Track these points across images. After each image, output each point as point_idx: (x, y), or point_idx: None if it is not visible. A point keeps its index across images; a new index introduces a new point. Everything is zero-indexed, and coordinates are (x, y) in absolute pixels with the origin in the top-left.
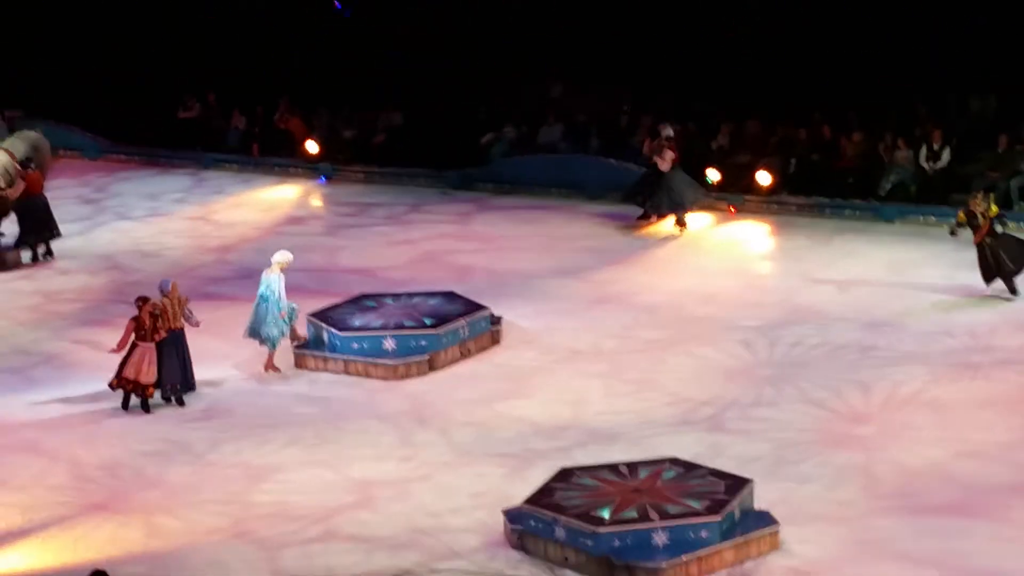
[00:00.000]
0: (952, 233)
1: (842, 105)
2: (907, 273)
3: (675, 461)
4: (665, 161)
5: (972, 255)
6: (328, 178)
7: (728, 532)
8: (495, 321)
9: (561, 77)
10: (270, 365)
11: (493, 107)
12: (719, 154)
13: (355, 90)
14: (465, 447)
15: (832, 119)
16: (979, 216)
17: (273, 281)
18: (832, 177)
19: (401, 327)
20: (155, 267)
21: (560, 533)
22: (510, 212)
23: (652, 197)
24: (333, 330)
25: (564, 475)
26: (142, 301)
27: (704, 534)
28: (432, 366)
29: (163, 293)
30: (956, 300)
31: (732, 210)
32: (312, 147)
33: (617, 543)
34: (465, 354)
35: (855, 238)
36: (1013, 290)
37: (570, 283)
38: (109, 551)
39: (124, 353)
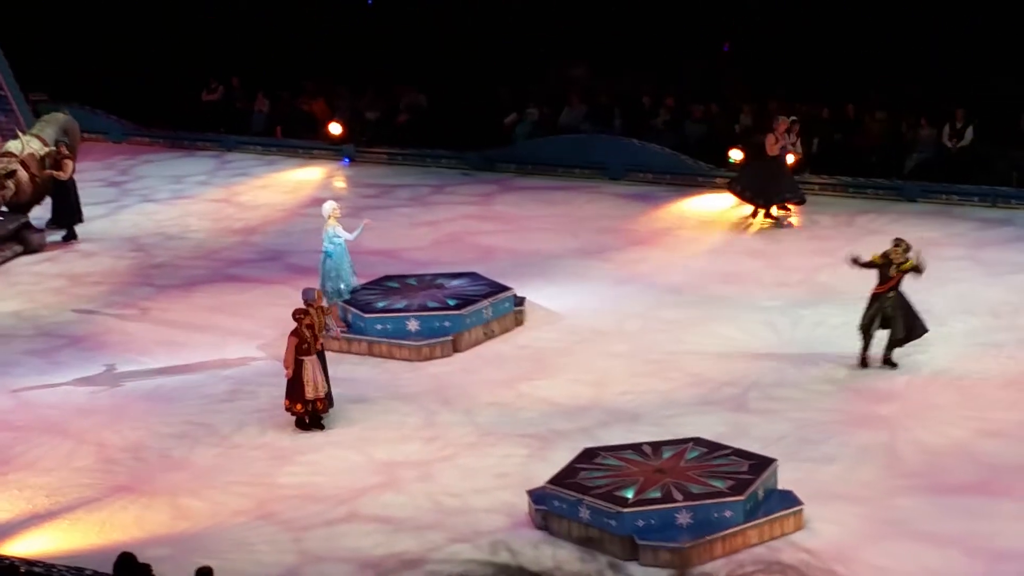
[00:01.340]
0: (854, 261)
1: (865, 84)
2: (929, 252)
3: (698, 441)
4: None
5: (994, 232)
6: (351, 160)
7: (752, 512)
8: (518, 302)
9: (584, 58)
10: (335, 319)
11: (516, 88)
12: (742, 134)
13: (378, 71)
14: (489, 428)
15: (855, 98)
16: (893, 267)
17: (330, 234)
18: (855, 156)
19: (425, 308)
20: (179, 250)
21: (584, 513)
22: (533, 193)
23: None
24: (357, 311)
25: (588, 455)
26: (302, 314)
27: (728, 514)
28: (456, 347)
29: (309, 303)
30: (979, 279)
31: None
32: (335, 129)
33: (641, 523)
34: (488, 335)
35: (878, 217)
36: (889, 360)
37: (593, 263)
38: (135, 533)
39: (290, 375)
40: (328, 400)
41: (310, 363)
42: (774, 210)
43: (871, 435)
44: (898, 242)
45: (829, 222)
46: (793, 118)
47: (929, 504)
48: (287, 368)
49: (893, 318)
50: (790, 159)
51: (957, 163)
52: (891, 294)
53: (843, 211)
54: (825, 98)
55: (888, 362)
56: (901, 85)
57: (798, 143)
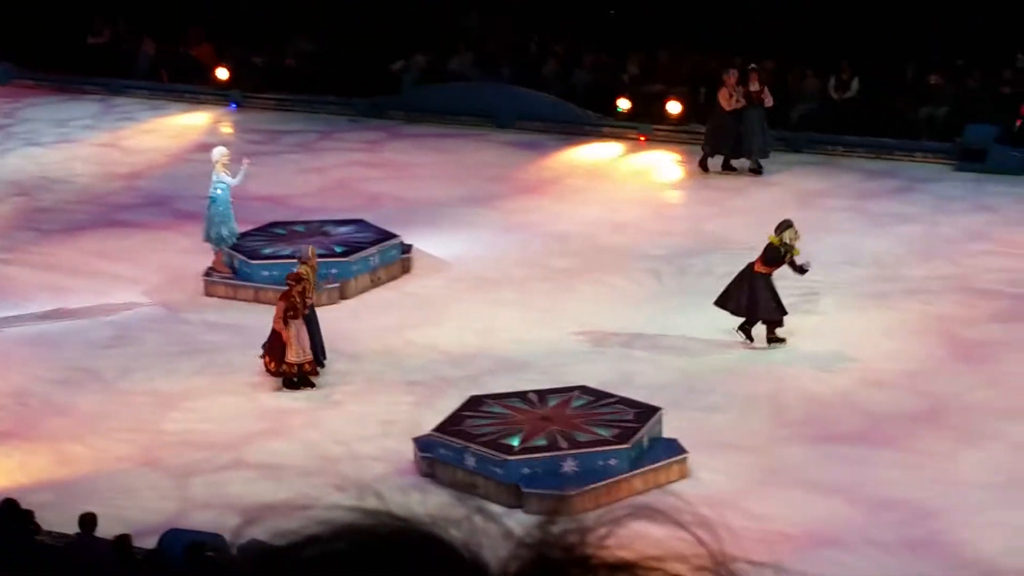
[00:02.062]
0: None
1: (752, 34)
2: (814, 202)
3: (584, 389)
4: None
5: (879, 183)
6: (238, 105)
7: (637, 460)
8: (405, 250)
9: (473, 4)
10: (218, 265)
11: (404, 34)
12: (630, 83)
13: (266, 16)
14: (375, 375)
15: (743, 50)
16: (782, 250)
17: (215, 180)
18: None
19: None
20: (64, 194)
21: (470, 461)
22: (421, 140)
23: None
24: (243, 258)
25: (474, 403)
26: (295, 280)
27: (613, 462)
28: (343, 294)
29: (302, 261)
30: (863, 230)
31: (642, 139)
32: (222, 74)
33: (527, 471)
34: (375, 282)
35: (764, 167)
36: (749, 334)
37: (481, 212)
38: (18, 478)
39: (273, 336)
40: (318, 360)
41: (295, 326)
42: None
43: (756, 385)
44: (788, 224)
45: (715, 171)
46: (752, 66)
47: (813, 453)
48: (277, 328)
49: (756, 297)
50: (756, 111)
51: (842, 114)
52: (764, 274)
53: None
54: (713, 49)
55: (749, 337)
56: (787, 36)
57: (764, 91)
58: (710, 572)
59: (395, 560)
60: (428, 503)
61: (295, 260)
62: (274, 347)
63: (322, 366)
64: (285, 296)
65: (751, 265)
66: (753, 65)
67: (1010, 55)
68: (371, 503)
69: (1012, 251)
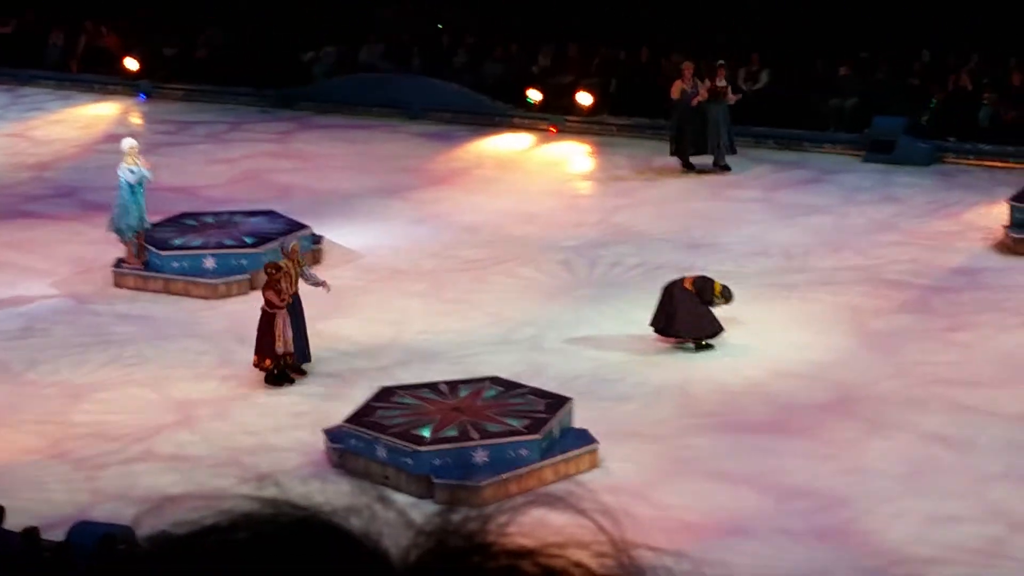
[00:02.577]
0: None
1: (663, 26)
2: (724, 193)
3: (495, 380)
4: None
5: (789, 175)
6: (148, 95)
7: (547, 451)
8: (316, 240)
9: None
10: (130, 257)
11: (315, 25)
12: (541, 75)
13: (176, 6)
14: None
15: (652, 40)
16: (714, 300)
17: (123, 171)
18: (652, 98)
19: (221, 246)
20: None
21: (381, 452)
22: (331, 131)
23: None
24: (153, 249)
25: (385, 394)
26: (274, 268)
27: (524, 452)
28: (253, 285)
29: (284, 253)
30: (773, 221)
31: (553, 130)
32: (132, 64)
33: (438, 462)
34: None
35: (674, 158)
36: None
37: (391, 202)
38: None
39: (260, 331)
40: (300, 354)
41: (280, 317)
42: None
43: (667, 375)
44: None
45: (626, 163)
46: (720, 62)
47: (722, 443)
48: (269, 315)
49: (675, 312)
50: (721, 107)
51: (752, 106)
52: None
53: (640, 152)
54: (623, 40)
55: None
56: (697, 28)
57: (728, 88)
58: (611, 559)
59: (295, 550)
60: (328, 492)
61: (279, 251)
62: (262, 343)
63: (307, 360)
64: (269, 284)
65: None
66: (720, 61)
67: (917, 48)
68: (271, 492)
69: (919, 242)
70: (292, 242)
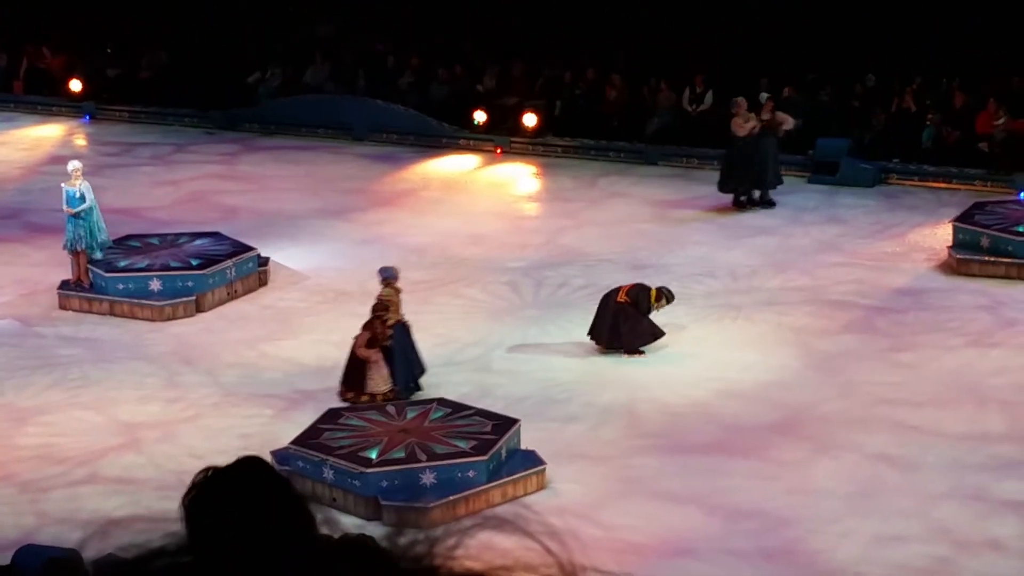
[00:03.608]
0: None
1: (607, 47)
2: (670, 214)
3: (442, 401)
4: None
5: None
6: (92, 117)
7: (495, 472)
8: (262, 262)
9: (330, 17)
10: (83, 275)
11: (260, 47)
12: (485, 96)
13: (120, 28)
14: (232, 388)
15: (597, 62)
16: (653, 306)
17: (71, 192)
18: (597, 119)
19: (167, 268)
20: None
21: (328, 474)
22: (276, 153)
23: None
24: (98, 271)
25: (331, 416)
26: (382, 310)
27: (471, 474)
28: (199, 307)
29: (389, 283)
30: (719, 242)
31: (498, 152)
32: (75, 86)
33: (385, 484)
34: (232, 295)
35: (619, 180)
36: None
37: (337, 224)
38: None
39: (351, 364)
40: (406, 379)
41: (378, 356)
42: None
43: (613, 396)
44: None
45: (571, 184)
46: (766, 95)
47: (669, 463)
48: (362, 356)
49: (618, 326)
50: (771, 140)
51: (697, 127)
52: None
53: (585, 173)
54: (567, 61)
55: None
56: (642, 49)
57: (776, 122)
58: None
59: (241, 572)
60: None
61: (383, 282)
62: (352, 377)
63: (418, 388)
64: (369, 326)
65: (615, 295)
66: (766, 94)
67: (861, 70)
68: None
69: (864, 262)
70: (395, 269)
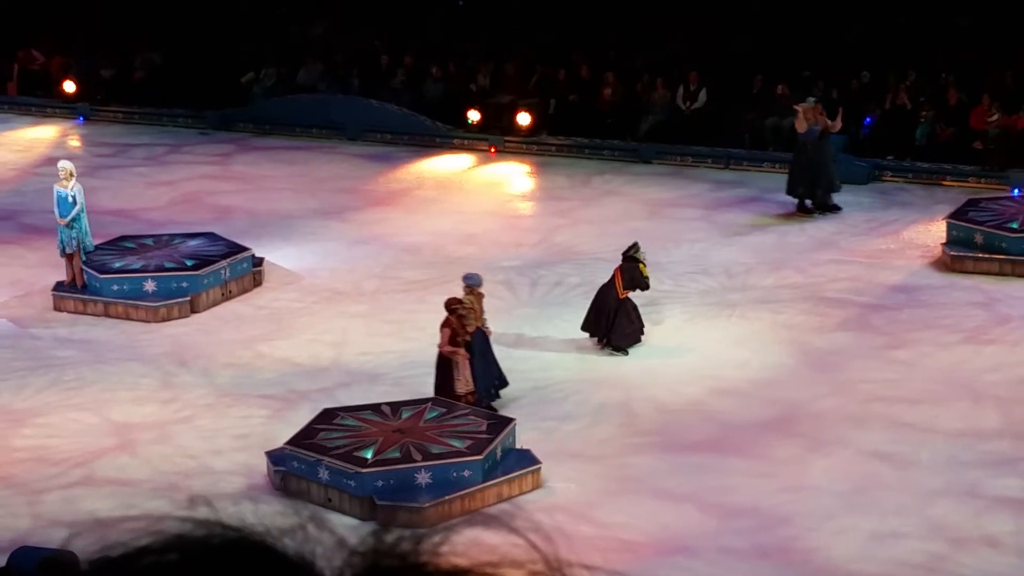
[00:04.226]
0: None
1: (601, 45)
2: (664, 213)
3: (437, 401)
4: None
5: (728, 193)
6: (86, 118)
7: (490, 471)
8: (257, 262)
9: (323, 17)
10: (79, 276)
11: (253, 47)
12: (479, 95)
13: (113, 28)
14: (227, 389)
15: (591, 60)
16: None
17: (63, 194)
18: (591, 118)
19: (162, 269)
20: None
21: (323, 474)
22: (271, 153)
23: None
24: (93, 272)
25: (327, 416)
26: (456, 303)
27: (467, 473)
28: (194, 308)
29: (472, 290)
30: (712, 240)
31: (493, 151)
32: (69, 87)
33: (380, 484)
34: (227, 295)
35: (614, 178)
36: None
37: (331, 224)
38: None
39: (438, 368)
40: (486, 391)
41: (461, 357)
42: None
43: (608, 394)
44: (638, 250)
45: (566, 183)
46: (814, 99)
47: (664, 462)
48: (448, 352)
49: (615, 320)
50: (828, 144)
51: (691, 125)
52: (626, 300)
53: (580, 172)
54: (561, 60)
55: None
56: (635, 47)
57: (824, 118)
58: None
59: (227, 570)
60: (262, 513)
61: (467, 288)
62: (443, 384)
63: (497, 396)
64: (447, 323)
65: (614, 289)
66: (813, 98)
67: (856, 67)
68: (203, 513)
69: (858, 260)
70: (479, 276)
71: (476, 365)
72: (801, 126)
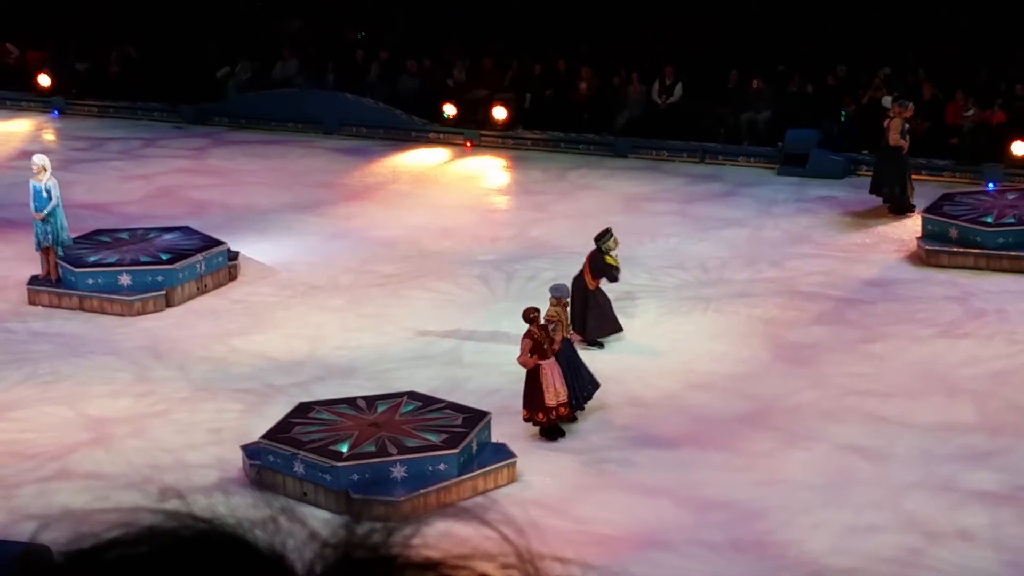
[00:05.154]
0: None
1: (577, 39)
2: (640, 207)
3: (413, 395)
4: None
5: (704, 188)
6: (61, 112)
7: (466, 465)
8: (232, 256)
9: (298, 11)
10: (53, 271)
11: (229, 41)
12: (455, 89)
13: (89, 22)
14: (203, 383)
15: (566, 54)
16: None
17: (36, 187)
18: (567, 112)
19: (137, 263)
20: None
21: (299, 468)
22: (246, 147)
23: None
24: (68, 266)
25: (302, 410)
26: (535, 312)
27: (442, 467)
28: (169, 302)
29: (559, 301)
30: (688, 234)
31: (468, 145)
32: (44, 80)
33: (355, 477)
34: (202, 289)
35: (589, 172)
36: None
37: (307, 218)
38: None
39: (527, 382)
40: (577, 399)
41: (548, 367)
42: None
43: None
44: (611, 237)
45: (541, 177)
46: (889, 98)
47: (640, 455)
48: (527, 364)
49: (586, 315)
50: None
51: (667, 119)
52: (598, 292)
53: (555, 166)
54: (537, 54)
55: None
56: (610, 42)
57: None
58: (517, 570)
59: (198, 562)
60: (232, 504)
61: (554, 300)
62: (532, 397)
63: (581, 409)
64: (528, 333)
65: (583, 279)
66: (890, 97)
67: (831, 61)
68: (173, 504)
69: (833, 254)
70: (566, 287)
71: (566, 375)
72: (895, 135)
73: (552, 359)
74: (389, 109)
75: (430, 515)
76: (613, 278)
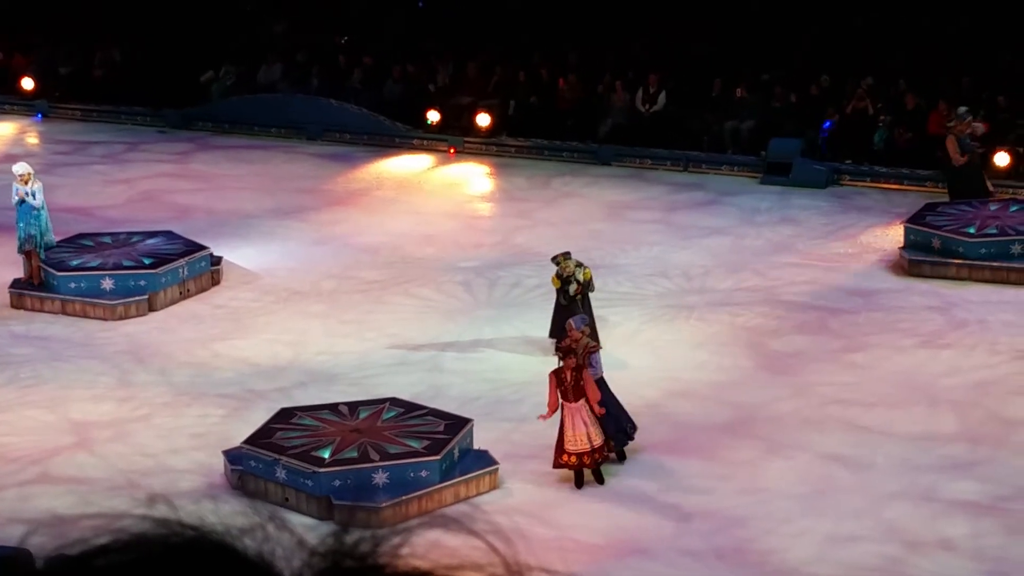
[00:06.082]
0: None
1: (561, 47)
2: (623, 215)
3: (395, 401)
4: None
5: (687, 196)
6: (44, 115)
7: (448, 472)
8: (215, 261)
9: (283, 15)
10: (36, 274)
11: (213, 45)
12: (439, 95)
13: (73, 25)
14: (185, 388)
15: (550, 61)
16: (574, 283)
17: (16, 192)
18: (551, 119)
19: (119, 267)
20: None
21: (281, 473)
22: (230, 152)
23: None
24: (50, 269)
25: (284, 415)
26: (566, 351)
27: (424, 474)
28: (151, 306)
29: (577, 332)
30: (671, 242)
31: (452, 152)
32: (28, 83)
33: (337, 483)
34: (185, 294)
35: (573, 180)
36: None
37: (290, 223)
38: None
39: (549, 415)
40: (616, 439)
41: (569, 411)
42: None
43: None
44: (563, 258)
45: (525, 184)
46: (963, 109)
47: (622, 463)
48: (549, 410)
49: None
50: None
51: (650, 128)
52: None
53: (539, 173)
54: (521, 61)
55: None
56: (593, 49)
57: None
58: None
59: (187, 570)
60: (221, 512)
61: (577, 328)
62: (560, 437)
63: (626, 442)
64: (555, 371)
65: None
66: (964, 106)
67: (815, 71)
68: (161, 511)
69: (816, 263)
70: (584, 318)
71: (604, 418)
72: (955, 155)
73: (577, 402)
74: (373, 115)
75: (417, 524)
76: (561, 297)
